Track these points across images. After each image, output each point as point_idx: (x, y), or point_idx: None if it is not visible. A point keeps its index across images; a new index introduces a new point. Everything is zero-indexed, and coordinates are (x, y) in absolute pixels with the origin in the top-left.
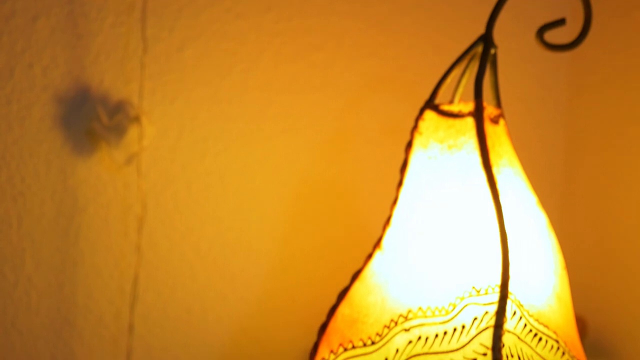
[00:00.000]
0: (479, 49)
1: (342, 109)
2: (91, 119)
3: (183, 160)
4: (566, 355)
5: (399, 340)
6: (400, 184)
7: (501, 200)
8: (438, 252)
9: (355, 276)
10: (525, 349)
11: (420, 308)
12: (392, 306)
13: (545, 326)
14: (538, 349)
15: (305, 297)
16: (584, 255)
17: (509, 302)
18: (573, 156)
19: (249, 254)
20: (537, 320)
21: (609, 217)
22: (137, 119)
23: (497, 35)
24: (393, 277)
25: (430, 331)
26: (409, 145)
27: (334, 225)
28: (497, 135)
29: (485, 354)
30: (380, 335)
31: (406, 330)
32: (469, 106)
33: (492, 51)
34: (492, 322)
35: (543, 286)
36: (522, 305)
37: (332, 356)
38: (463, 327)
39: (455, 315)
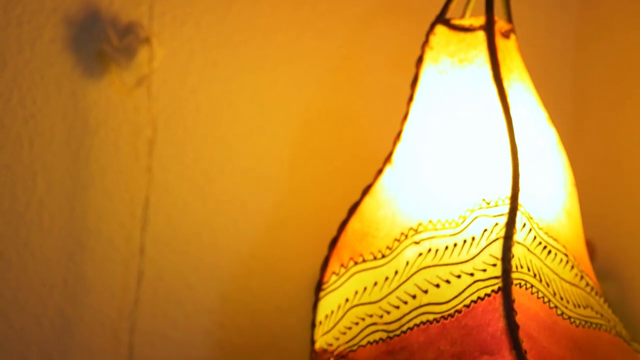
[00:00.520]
0: None
1: (350, 36)
2: (101, 40)
3: (193, 84)
4: (575, 269)
5: (409, 253)
6: (410, 99)
7: (512, 113)
8: (448, 165)
9: (366, 191)
10: (535, 260)
11: (430, 221)
12: (403, 220)
13: (555, 240)
14: (547, 262)
15: (313, 223)
16: (592, 180)
17: (518, 214)
18: (583, 72)
19: (258, 180)
20: (546, 233)
21: (620, 139)
22: (147, 41)
23: None
24: (403, 191)
25: (440, 243)
26: (419, 60)
27: (342, 152)
28: (507, 49)
29: (494, 265)
30: (390, 249)
31: (416, 243)
32: (480, 20)
33: None
34: (502, 233)
35: (553, 201)
36: (531, 218)
37: (343, 270)
38: (473, 239)
39: (465, 228)
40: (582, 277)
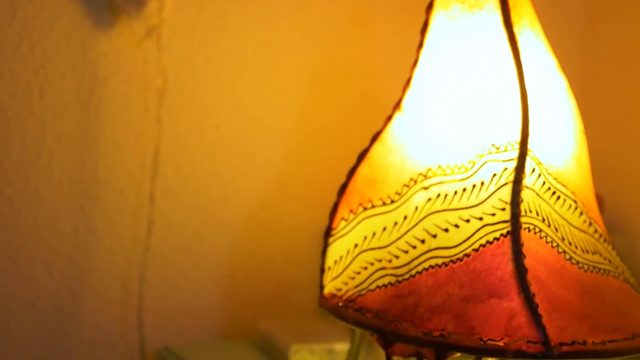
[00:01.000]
0: None
1: None
2: None
3: (202, 36)
4: (584, 216)
5: (418, 198)
6: (420, 45)
7: (522, 59)
8: (458, 111)
9: (375, 137)
10: (544, 205)
11: (439, 166)
12: (412, 165)
13: (564, 185)
14: (556, 207)
15: (323, 174)
16: (600, 133)
17: (528, 159)
18: (592, 21)
19: (268, 132)
20: (555, 179)
21: (629, 92)
22: None
23: None
24: (413, 137)
25: (449, 188)
26: (429, 6)
27: (351, 103)
28: None
29: (503, 209)
30: (399, 194)
31: (425, 188)
32: None
33: None
34: (511, 177)
35: (562, 147)
36: (541, 163)
37: (352, 215)
38: (482, 183)
39: (475, 173)
40: (590, 224)
